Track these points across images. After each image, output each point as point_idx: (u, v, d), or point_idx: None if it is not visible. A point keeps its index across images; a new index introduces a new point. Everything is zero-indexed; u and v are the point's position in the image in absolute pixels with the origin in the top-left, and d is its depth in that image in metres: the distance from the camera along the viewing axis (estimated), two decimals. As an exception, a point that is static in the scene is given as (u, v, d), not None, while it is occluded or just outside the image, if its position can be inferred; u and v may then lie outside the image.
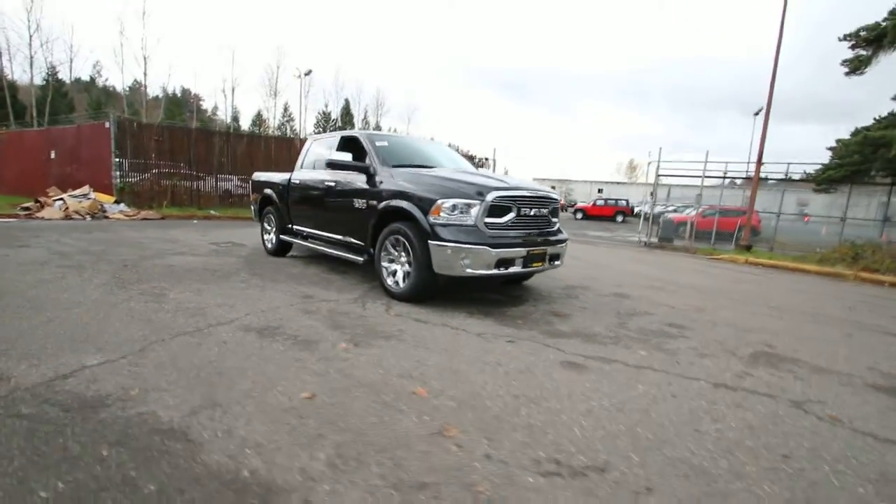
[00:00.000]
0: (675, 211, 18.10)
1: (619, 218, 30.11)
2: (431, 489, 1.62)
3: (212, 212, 13.15)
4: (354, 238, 4.93)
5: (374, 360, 2.79)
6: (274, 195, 6.48)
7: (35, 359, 2.52)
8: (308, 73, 31.83)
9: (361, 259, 4.75)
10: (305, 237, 6.04)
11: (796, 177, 13.73)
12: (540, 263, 4.31)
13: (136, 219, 10.82)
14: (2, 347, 2.65)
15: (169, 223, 10.59)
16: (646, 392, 2.57)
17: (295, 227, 6.16)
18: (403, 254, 4.28)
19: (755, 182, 12.45)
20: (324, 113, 56.23)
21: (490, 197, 3.91)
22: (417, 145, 5.50)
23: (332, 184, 5.22)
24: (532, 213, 4.24)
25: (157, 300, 3.86)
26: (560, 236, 4.61)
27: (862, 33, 9.50)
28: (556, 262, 4.56)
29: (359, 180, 4.83)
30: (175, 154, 13.28)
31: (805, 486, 1.79)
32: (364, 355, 2.87)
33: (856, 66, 9.82)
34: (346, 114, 58.41)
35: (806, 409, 2.51)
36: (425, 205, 3.99)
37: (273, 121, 52.33)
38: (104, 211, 10.62)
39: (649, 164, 13.80)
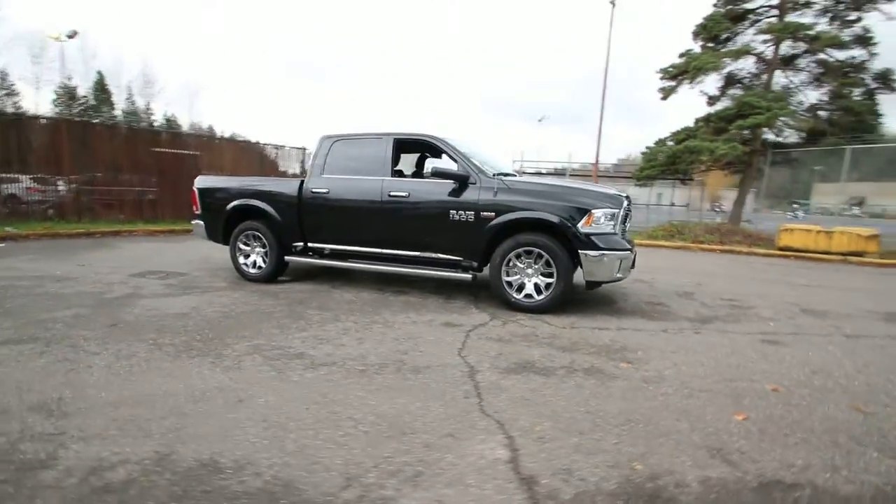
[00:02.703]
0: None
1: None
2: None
3: (8, 229, 9.06)
4: (449, 254, 4.48)
5: (676, 372, 2.88)
6: (269, 208, 5.16)
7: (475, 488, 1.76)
8: (73, 34, 23.22)
9: (470, 276, 4.40)
10: (327, 255, 5.09)
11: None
12: (632, 261, 4.84)
13: None
14: None
15: (-35, 252, 6.95)
16: (842, 351, 3.42)
17: (313, 244, 5.10)
18: (535, 265, 4.21)
19: (594, 177, 15.61)
20: (66, 87, 42.82)
21: (625, 204, 4.23)
22: (479, 149, 5.22)
23: (403, 194, 4.58)
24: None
25: (335, 367, 2.88)
26: None
27: (670, 69, 13.09)
28: None
29: (447, 190, 4.42)
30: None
31: None
32: (666, 370, 2.91)
33: (666, 94, 13.49)
34: (101, 90, 46.08)
35: (900, 341, 3.77)
36: (576, 215, 4.02)
37: (-20, 94, 37.20)
38: None
39: (513, 161, 15.69)
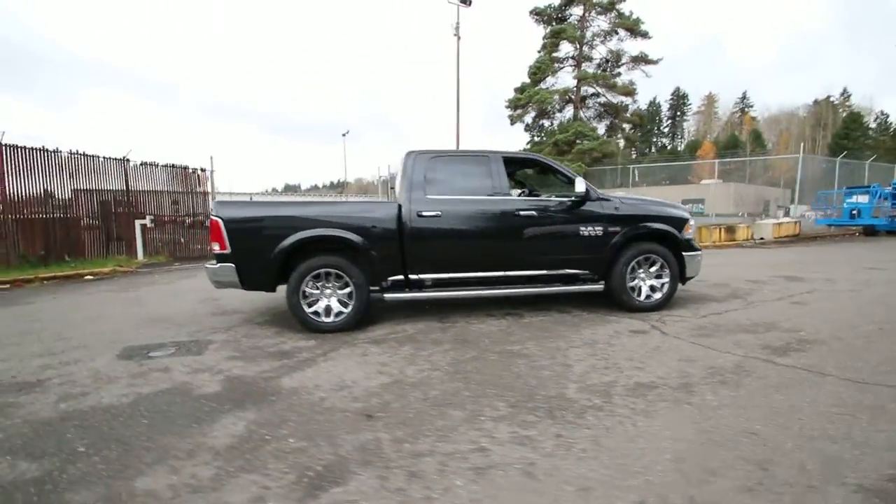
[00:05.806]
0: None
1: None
2: None
3: None
4: (578, 268, 4.62)
5: (831, 330, 3.96)
6: (357, 238, 4.16)
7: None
8: None
9: (602, 287, 4.66)
10: (428, 286, 4.48)
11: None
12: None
13: None
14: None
15: None
16: (836, 300, 5.19)
17: (416, 276, 4.38)
18: (649, 270, 4.80)
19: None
20: None
21: (686, 212, 5.27)
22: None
23: (532, 212, 4.48)
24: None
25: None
26: None
27: (516, 100, 15.46)
28: None
29: (568, 207, 4.60)
30: None
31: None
32: (821, 332, 3.95)
33: (513, 120, 15.89)
34: None
35: None
36: (680, 225, 4.81)
37: None
38: None
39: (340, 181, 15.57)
